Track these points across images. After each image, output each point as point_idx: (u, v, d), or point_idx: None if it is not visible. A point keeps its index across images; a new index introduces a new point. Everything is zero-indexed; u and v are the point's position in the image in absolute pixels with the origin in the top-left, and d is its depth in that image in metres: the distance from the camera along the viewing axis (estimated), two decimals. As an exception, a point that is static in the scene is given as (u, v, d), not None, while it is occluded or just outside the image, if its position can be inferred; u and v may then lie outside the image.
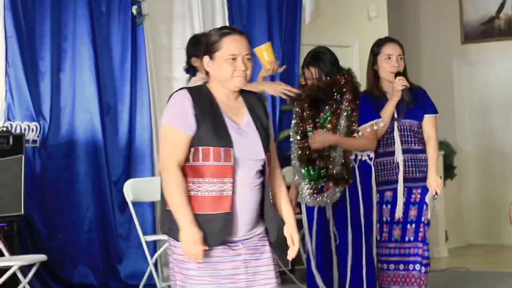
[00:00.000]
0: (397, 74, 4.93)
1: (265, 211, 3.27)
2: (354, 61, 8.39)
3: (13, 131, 6.17)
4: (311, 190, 4.79)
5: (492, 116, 9.69)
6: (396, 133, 4.92)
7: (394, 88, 4.91)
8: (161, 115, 6.13)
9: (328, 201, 4.77)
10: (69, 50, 6.56)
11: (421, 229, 4.90)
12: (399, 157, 4.89)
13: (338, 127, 4.76)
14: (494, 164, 9.65)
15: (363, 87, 5.04)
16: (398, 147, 4.91)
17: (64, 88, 6.54)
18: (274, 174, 3.35)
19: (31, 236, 6.31)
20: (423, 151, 4.97)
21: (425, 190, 4.93)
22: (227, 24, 7.26)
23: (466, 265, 7.92)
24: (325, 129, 4.78)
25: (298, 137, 4.87)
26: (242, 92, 3.31)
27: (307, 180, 4.81)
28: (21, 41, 6.32)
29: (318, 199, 4.79)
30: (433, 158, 4.97)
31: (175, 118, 3.16)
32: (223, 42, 3.20)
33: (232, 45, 3.19)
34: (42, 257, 5.60)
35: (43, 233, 6.37)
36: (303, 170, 4.83)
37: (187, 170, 3.15)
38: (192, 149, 3.14)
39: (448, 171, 8.95)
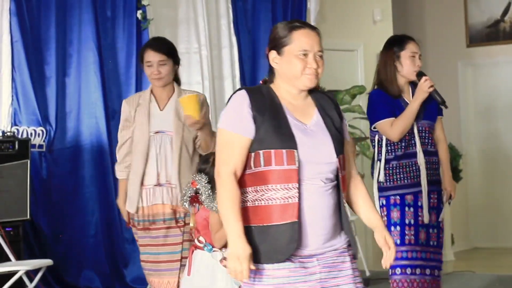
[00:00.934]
0: (420, 74, 4.71)
1: (342, 219, 2.93)
2: (359, 64, 8.36)
3: (19, 136, 6.18)
4: None
5: (497, 119, 9.67)
6: (416, 134, 4.72)
7: (420, 88, 4.67)
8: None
9: None
10: (75, 55, 6.57)
11: (441, 235, 4.80)
12: (420, 159, 4.70)
13: None
14: (499, 167, 9.63)
15: (368, 90, 4.94)
16: (419, 148, 4.71)
17: (69, 92, 6.55)
18: (352, 178, 3.05)
19: (37, 241, 6.32)
20: (437, 153, 4.83)
21: (440, 194, 4.84)
22: (232, 28, 7.26)
23: (472, 269, 7.91)
24: None
25: None
26: (311, 92, 3.00)
27: None
28: (26, 46, 6.34)
29: None
30: (447, 161, 4.84)
31: (230, 121, 2.87)
32: (294, 36, 2.90)
33: (304, 40, 2.90)
34: (48, 261, 5.61)
35: (49, 237, 6.38)
36: None
37: (249, 178, 2.86)
38: (253, 154, 2.85)
39: (454, 174, 8.88)
